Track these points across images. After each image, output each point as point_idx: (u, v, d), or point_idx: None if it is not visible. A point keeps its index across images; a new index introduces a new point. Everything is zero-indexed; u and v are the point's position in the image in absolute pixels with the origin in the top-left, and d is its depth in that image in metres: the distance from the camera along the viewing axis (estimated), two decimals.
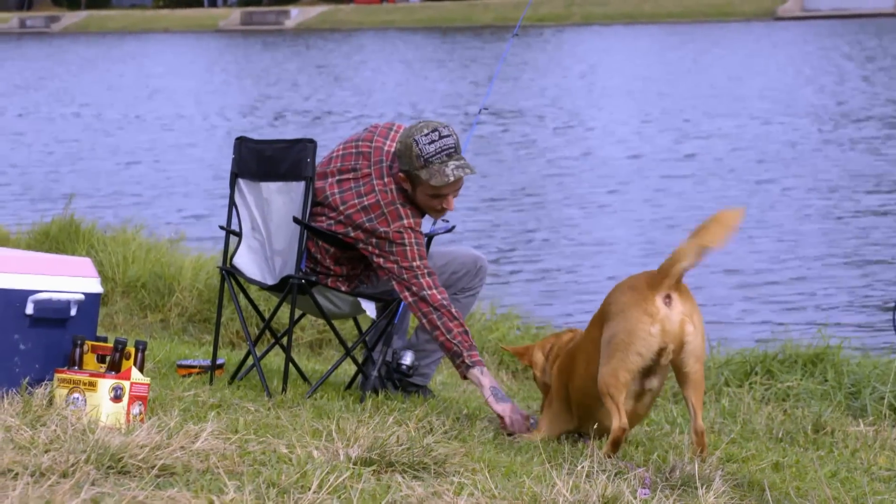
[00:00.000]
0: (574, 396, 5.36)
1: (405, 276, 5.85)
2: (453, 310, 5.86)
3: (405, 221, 5.91)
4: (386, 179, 5.96)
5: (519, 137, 23.83)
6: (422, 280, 5.84)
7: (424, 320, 5.83)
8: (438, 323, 5.80)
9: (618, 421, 4.92)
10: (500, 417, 5.61)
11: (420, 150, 5.85)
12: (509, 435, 5.49)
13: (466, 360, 5.77)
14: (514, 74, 36.38)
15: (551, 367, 5.57)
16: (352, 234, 5.95)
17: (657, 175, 18.90)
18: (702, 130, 23.81)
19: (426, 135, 5.88)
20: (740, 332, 9.94)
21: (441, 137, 5.89)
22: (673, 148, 21.73)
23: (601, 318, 5.19)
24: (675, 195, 17.17)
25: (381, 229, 5.89)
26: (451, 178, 5.87)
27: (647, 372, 5.02)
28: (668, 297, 4.97)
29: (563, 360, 5.47)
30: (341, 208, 5.97)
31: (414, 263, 5.87)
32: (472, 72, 39.28)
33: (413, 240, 5.90)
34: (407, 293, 5.85)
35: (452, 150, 5.90)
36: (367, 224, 5.92)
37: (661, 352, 4.96)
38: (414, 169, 5.88)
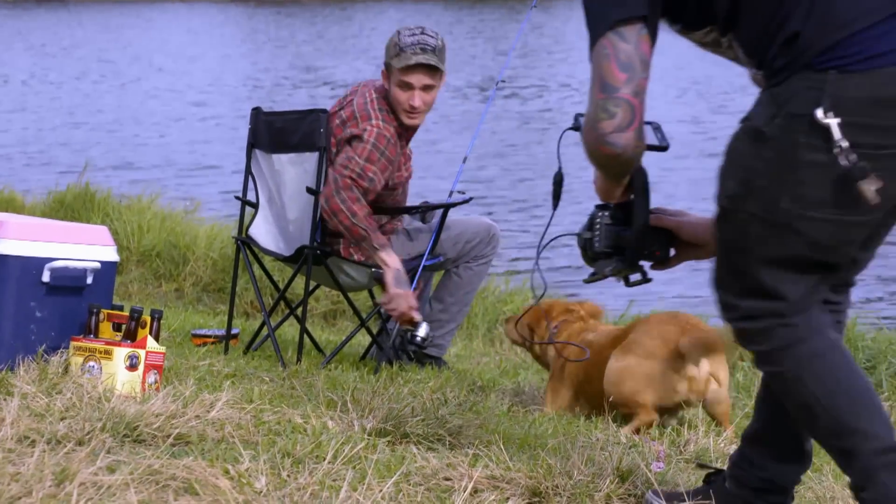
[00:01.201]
0: (571, 382, 5.42)
1: (340, 162, 5.91)
2: (363, 200, 5.87)
3: (374, 122, 5.95)
4: (366, 91, 6.05)
5: (537, 110, 23.77)
6: (348, 172, 5.87)
7: (327, 205, 5.86)
8: (343, 207, 5.82)
9: (647, 416, 5.02)
10: (388, 296, 5.79)
11: (399, 40, 6.00)
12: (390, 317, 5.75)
13: (374, 244, 5.82)
14: (536, 46, 36.23)
15: (557, 344, 5.57)
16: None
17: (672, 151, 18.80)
18: (720, 107, 23.73)
19: (410, 30, 6.05)
20: None
21: (423, 34, 6.01)
22: (686, 123, 21.68)
23: (620, 340, 5.25)
24: (684, 172, 17.12)
25: (351, 131, 5.93)
26: (412, 61, 5.94)
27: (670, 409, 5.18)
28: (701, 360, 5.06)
29: (572, 354, 5.48)
30: (329, 137, 6.00)
31: (358, 158, 5.91)
32: (491, 44, 39.15)
33: (373, 140, 5.92)
34: (330, 182, 5.89)
35: (429, 49, 5.97)
36: (344, 136, 5.94)
37: (684, 401, 5.11)
38: (389, 58, 6.02)
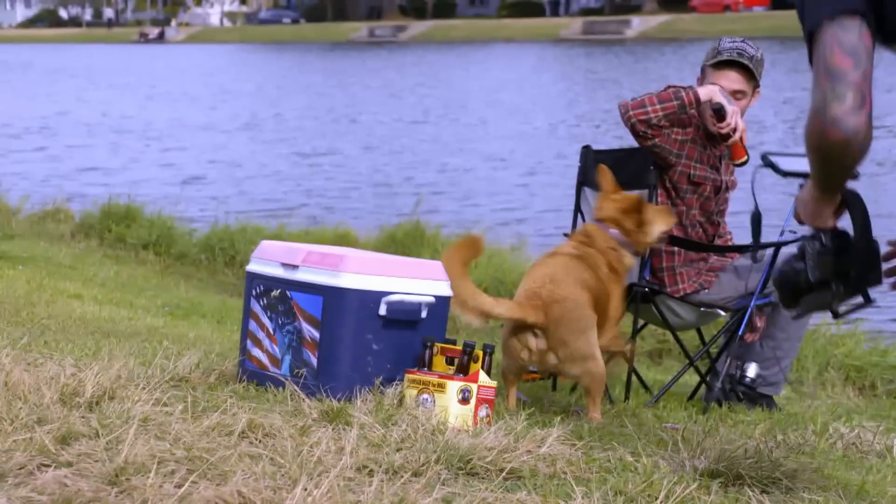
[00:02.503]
0: None
1: None
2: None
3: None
4: None
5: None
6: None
7: (625, 112, 5.88)
8: (634, 101, 5.86)
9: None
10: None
11: (719, 44, 5.99)
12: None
13: (680, 93, 5.80)
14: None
15: None
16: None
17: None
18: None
19: (731, 38, 6.04)
20: None
21: (744, 42, 6.01)
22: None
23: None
24: None
25: None
26: (724, 57, 5.91)
27: None
28: None
29: None
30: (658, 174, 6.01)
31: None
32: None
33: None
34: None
35: (746, 55, 5.91)
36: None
37: None
38: (705, 62, 6.02)
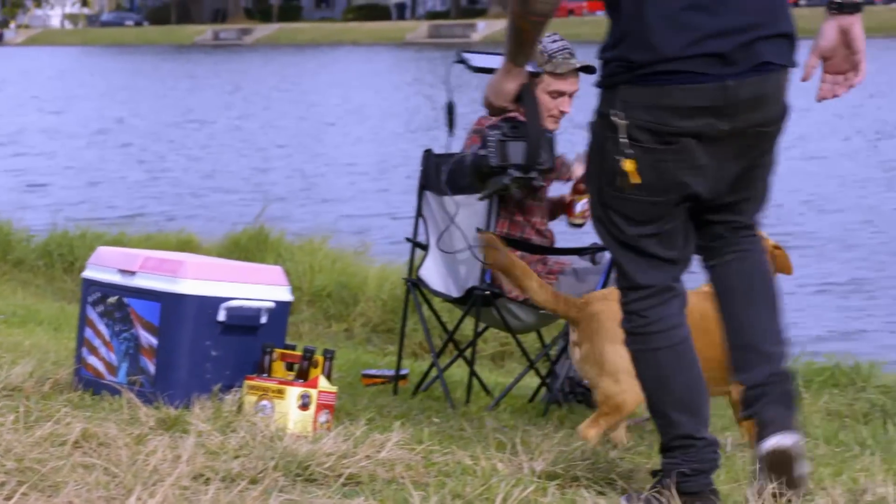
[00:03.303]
0: None
1: None
2: None
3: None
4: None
5: None
6: None
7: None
8: None
9: None
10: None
11: (544, 47, 6.02)
12: None
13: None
14: None
15: None
16: None
17: None
18: None
19: (548, 36, 6.07)
20: None
21: (562, 39, 6.11)
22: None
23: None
24: None
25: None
26: (577, 65, 6.01)
27: None
28: None
29: None
30: None
31: None
32: None
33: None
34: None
35: (573, 51, 6.08)
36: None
37: None
38: (537, 66, 6.01)
